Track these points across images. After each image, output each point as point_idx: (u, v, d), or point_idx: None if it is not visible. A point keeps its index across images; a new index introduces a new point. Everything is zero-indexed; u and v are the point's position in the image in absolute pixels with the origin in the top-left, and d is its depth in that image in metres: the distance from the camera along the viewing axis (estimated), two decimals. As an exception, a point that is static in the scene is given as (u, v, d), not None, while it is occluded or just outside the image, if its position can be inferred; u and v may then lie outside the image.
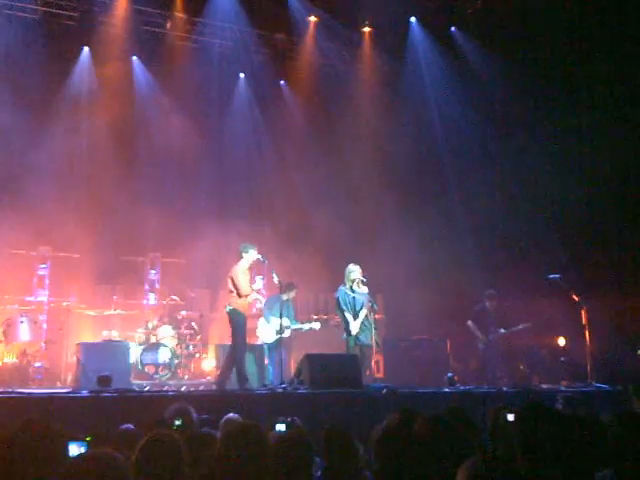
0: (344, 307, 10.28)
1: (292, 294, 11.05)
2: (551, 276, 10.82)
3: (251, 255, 9.91)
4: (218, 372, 10.17)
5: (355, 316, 10.18)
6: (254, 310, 12.03)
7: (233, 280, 9.75)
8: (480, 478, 2.60)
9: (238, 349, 9.68)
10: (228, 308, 9.83)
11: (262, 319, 11.06)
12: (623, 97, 12.65)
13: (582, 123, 12.85)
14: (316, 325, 11.32)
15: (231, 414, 5.38)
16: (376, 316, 10.72)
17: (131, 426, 4.89)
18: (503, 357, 11.98)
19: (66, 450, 3.19)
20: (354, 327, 10.16)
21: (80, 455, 2.51)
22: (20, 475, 2.84)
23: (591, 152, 12.73)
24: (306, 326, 11.31)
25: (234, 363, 9.65)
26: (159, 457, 3.24)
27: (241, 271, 9.81)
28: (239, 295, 9.68)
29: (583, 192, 12.85)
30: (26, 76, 13.32)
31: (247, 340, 10.22)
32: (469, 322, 12.03)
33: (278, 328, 10.48)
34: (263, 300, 10.99)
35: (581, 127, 12.86)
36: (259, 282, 10.05)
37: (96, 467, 2.15)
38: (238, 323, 9.74)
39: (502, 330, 11.71)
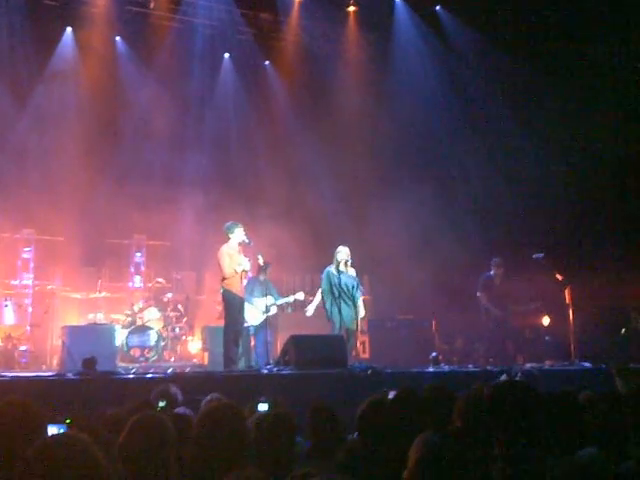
0: (325, 288, 10.33)
1: (267, 272, 11.07)
2: (535, 255, 10.87)
3: (237, 235, 9.84)
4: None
5: (339, 298, 10.19)
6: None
7: (218, 261, 9.73)
8: (432, 451, 2.63)
9: (227, 330, 9.69)
10: (222, 289, 9.83)
11: (245, 303, 11.05)
12: (617, 76, 12.66)
13: (572, 102, 12.83)
14: (300, 295, 11.40)
15: (214, 394, 5.38)
16: (362, 297, 10.77)
17: (116, 409, 4.89)
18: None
19: (45, 432, 3.19)
20: (361, 310, 10.34)
21: (48, 437, 2.51)
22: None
23: (580, 131, 12.74)
24: (290, 298, 11.43)
25: (236, 343, 9.69)
26: (145, 439, 3.24)
27: (226, 252, 9.74)
28: (224, 276, 9.66)
29: (570, 172, 12.89)
30: (8, 57, 13.18)
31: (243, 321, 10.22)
32: (479, 293, 11.56)
33: (264, 308, 10.52)
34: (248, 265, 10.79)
35: (571, 106, 12.84)
36: (246, 263, 9.94)
37: (62, 450, 2.15)
38: (230, 304, 9.73)
39: (521, 308, 11.49)
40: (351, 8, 15.75)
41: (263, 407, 4.77)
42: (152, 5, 14.61)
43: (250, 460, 3.45)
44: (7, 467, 2.67)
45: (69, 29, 14.32)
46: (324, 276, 10.38)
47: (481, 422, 3.71)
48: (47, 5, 13.68)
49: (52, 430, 3.41)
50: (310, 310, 10.62)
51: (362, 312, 10.41)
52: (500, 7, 13.58)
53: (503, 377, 6.74)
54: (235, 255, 9.79)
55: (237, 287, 9.80)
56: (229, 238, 9.82)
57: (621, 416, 3.70)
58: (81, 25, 14.11)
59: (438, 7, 15.23)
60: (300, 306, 13.78)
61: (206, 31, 15.27)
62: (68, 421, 3.93)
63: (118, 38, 14.83)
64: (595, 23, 12.55)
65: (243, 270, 9.87)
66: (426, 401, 4.50)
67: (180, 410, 4.67)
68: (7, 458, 2.73)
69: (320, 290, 10.47)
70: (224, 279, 9.71)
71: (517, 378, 6.52)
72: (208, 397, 5.26)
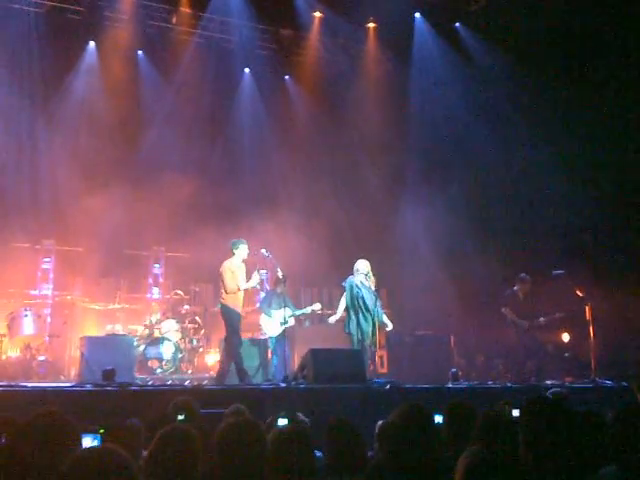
0: (349, 301, 10.29)
1: (285, 285, 11.08)
2: (555, 272, 10.79)
3: (242, 251, 9.86)
4: (217, 369, 10.13)
5: (359, 312, 10.16)
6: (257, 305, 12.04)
7: (221, 276, 9.75)
8: (479, 467, 2.60)
9: (232, 344, 9.67)
10: (219, 305, 9.86)
11: (263, 315, 11.07)
12: (635, 92, 12.58)
13: (597, 118, 12.75)
14: (316, 306, 11.41)
15: (238, 405, 5.36)
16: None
17: (136, 420, 4.89)
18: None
19: (79, 442, 3.20)
20: (389, 324, 10.39)
21: (86, 449, 2.52)
22: (33, 465, 2.85)
23: (604, 148, 12.66)
24: (307, 309, 11.44)
25: (230, 358, 9.68)
26: (174, 451, 3.23)
27: (229, 268, 9.74)
28: (225, 292, 9.67)
29: (590, 186, 12.80)
30: (32, 70, 13.34)
31: (250, 335, 10.22)
32: (503, 309, 11.42)
33: (282, 320, 10.54)
34: (265, 274, 10.72)
35: (596, 123, 12.76)
36: (256, 278, 9.94)
37: (102, 462, 2.15)
38: (230, 319, 9.72)
39: (542, 319, 11.38)
40: (371, 24, 15.85)
41: (283, 422, 4.75)
42: (174, 20, 14.81)
43: (268, 476, 3.44)
44: (43, 477, 2.69)
45: (92, 43, 14.50)
46: (347, 287, 10.33)
47: (503, 440, 3.68)
48: (70, 19, 13.89)
49: (86, 440, 3.43)
50: (332, 319, 10.59)
51: (390, 325, 10.43)
52: (519, 23, 13.55)
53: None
54: (237, 272, 9.79)
55: (235, 302, 9.79)
56: (233, 254, 9.85)
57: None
58: (104, 39, 14.31)
59: (457, 24, 15.27)
60: (317, 319, 13.79)
61: (227, 46, 15.41)
62: (102, 431, 3.94)
63: (140, 52, 15.00)
64: (623, 38, 12.47)
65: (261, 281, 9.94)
66: (446, 418, 4.47)
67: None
68: (43, 468, 2.74)
69: (344, 300, 10.42)
70: (224, 294, 9.74)
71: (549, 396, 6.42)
72: (231, 408, 5.25)
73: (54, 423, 3.00)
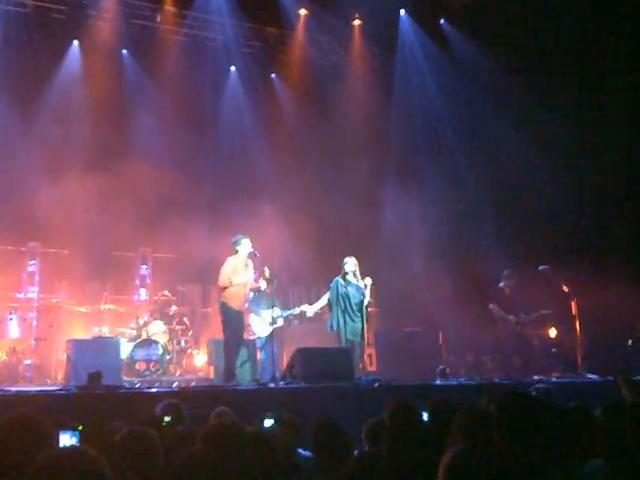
0: (332, 298, 10.33)
1: (273, 285, 11.06)
2: (541, 267, 10.83)
3: (245, 246, 9.84)
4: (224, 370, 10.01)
5: (345, 311, 10.16)
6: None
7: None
8: (462, 466, 2.59)
9: (227, 343, 9.66)
10: (219, 302, 9.83)
11: (252, 315, 11.03)
12: (620, 85, 12.64)
13: (580, 113, 12.81)
14: (305, 307, 11.38)
15: (222, 407, 5.34)
16: (369, 309, 10.75)
17: (120, 424, 4.85)
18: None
19: (56, 442, 3.18)
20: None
21: (57, 450, 2.50)
22: (7, 464, 2.83)
23: (588, 143, 12.70)
24: (296, 310, 11.39)
25: (237, 355, 9.66)
26: (133, 453, 3.24)
27: (232, 262, 9.75)
28: (224, 287, 9.66)
29: (579, 183, 12.85)
30: (15, 70, 13.21)
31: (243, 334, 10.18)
32: (491, 305, 11.43)
33: (270, 320, 10.51)
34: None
35: (578, 118, 12.82)
36: (248, 277, 9.91)
37: (72, 463, 2.13)
38: (228, 317, 9.70)
39: (532, 315, 11.38)
40: (356, 22, 15.84)
41: (269, 422, 4.74)
42: (158, 19, 14.73)
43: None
44: (18, 477, 2.67)
45: (75, 42, 14.38)
46: (332, 286, 10.36)
47: (483, 436, 3.67)
48: (54, 18, 13.78)
49: (64, 437, 3.40)
50: (310, 311, 10.60)
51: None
52: (503, 19, 13.60)
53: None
54: (240, 268, 9.78)
55: (235, 301, 9.77)
56: (237, 251, 9.82)
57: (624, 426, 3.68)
58: (88, 38, 14.18)
59: (442, 20, 15.29)
60: (306, 319, 13.74)
61: (212, 44, 15.34)
62: (80, 428, 3.92)
63: (124, 51, 14.89)
64: (604, 33, 12.53)
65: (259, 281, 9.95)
66: (430, 414, 4.47)
67: None
68: (17, 469, 2.72)
69: (327, 297, 10.42)
70: (223, 292, 9.71)
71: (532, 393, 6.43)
72: (216, 411, 5.23)
73: (29, 424, 2.98)
